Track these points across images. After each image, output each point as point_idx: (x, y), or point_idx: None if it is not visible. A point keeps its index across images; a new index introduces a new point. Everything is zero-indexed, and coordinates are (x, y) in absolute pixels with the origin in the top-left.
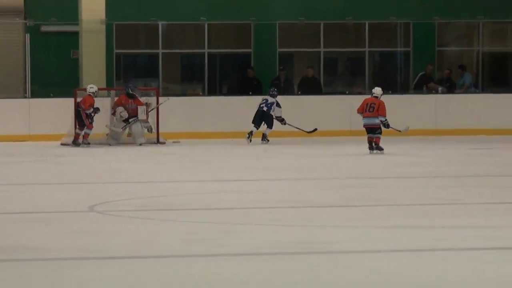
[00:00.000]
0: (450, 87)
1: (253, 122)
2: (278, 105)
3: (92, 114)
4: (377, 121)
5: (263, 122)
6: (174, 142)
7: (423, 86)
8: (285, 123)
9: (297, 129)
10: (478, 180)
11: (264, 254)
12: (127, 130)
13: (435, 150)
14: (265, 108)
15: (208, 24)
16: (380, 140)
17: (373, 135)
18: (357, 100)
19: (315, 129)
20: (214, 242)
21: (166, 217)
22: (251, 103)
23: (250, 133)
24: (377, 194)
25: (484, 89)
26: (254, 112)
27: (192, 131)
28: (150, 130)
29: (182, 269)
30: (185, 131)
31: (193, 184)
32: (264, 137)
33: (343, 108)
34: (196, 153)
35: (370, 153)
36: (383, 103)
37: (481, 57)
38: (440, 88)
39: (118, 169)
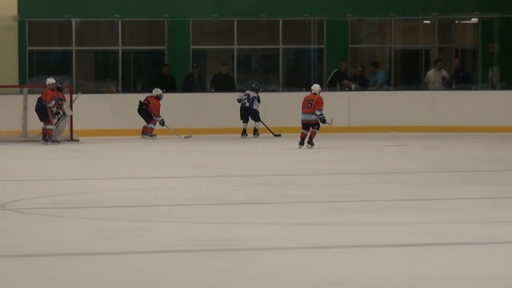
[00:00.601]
0: (363, 84)
1: (241, 119)
2: (258, 99)
3: (57, 106)
4: (314, 117)
5: (249, 117)
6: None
7: (337, 83)
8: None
9: (267, 128)
10: (389, 177)
11: (174, 251)
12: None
13: (347, 147)
14: (247, 104)
15: (122, 21)
16: (315, 135)
17: (307, 131)
18: (271, 97)
19: (280, 135)
20: (125, 239)
21: (78, 215)
22: (165, 100)
23: (243, 131)
24: (289, 191)
25: (397, 86)
26: (167, 109)
27: (106, 129)
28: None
29: (95, 267)
30: (99, 128)
31: (104, 181)
32: (255, 132)
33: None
34: (109, 151)
35: (299, 147)
36: (321, 98)
37: (394, 54)
38: (353, 85)
39: (30, 167)
